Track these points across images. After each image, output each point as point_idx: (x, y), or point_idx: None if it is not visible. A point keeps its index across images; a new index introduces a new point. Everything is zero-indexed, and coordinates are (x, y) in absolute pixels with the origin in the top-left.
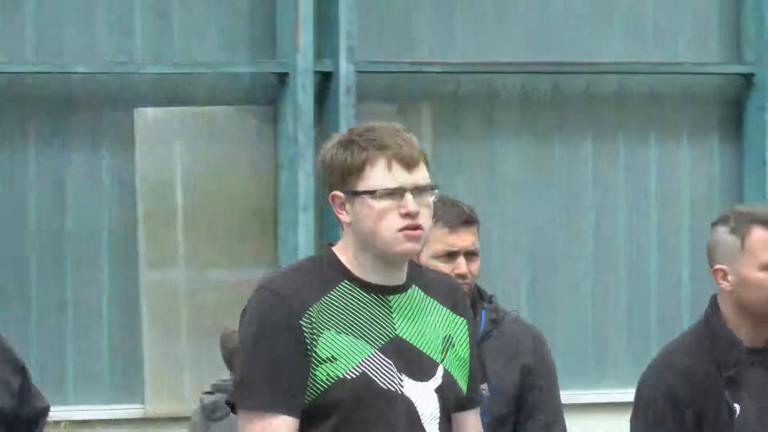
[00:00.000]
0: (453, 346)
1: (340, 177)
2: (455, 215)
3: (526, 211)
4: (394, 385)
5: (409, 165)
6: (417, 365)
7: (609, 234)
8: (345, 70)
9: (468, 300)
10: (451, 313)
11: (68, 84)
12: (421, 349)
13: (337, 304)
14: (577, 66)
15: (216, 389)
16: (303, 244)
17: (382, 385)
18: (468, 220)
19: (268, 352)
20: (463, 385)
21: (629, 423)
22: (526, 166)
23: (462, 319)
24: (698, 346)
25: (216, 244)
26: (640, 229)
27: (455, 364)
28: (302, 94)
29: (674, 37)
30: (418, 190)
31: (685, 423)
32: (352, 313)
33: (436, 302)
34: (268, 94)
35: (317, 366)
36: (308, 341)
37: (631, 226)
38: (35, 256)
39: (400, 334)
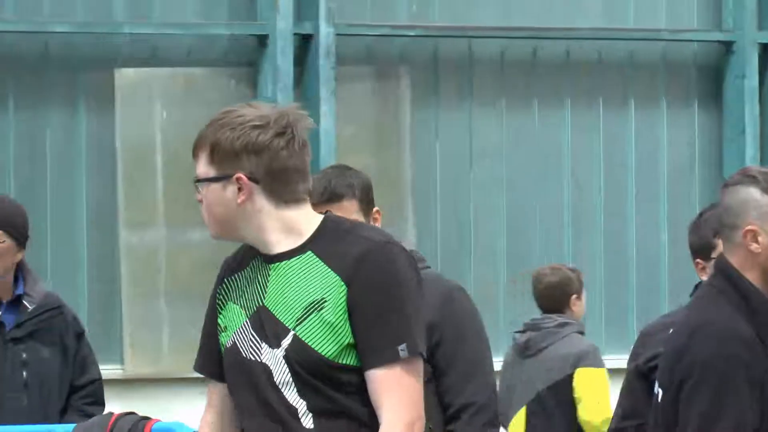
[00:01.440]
0: (320, 311)
1: None
2: (314, 193)
3: (504, 176)
4: (254, 352)
5: (194, 156)
6: (272, 332)
7: (587, 201)
8: (324, 33)
9: (374, 257)
10: (337, 280)
11: (47, 44)
12: (277, 316)
13: (243, 276)
14: (555, 31)
15: (527, 327)
16: None
17: (244, 353)
18: (329, 198)
19: (205, 316)
20: (325, 349)
21: (680, 404)
22: (504, 131)
23: (344, 286)
24: (736, 314)
25: (195, 206)
26: (619, 196)
27: (316, 328)
28: (281, 56)
29: (653, 4)
30: (196, 183)
31: (753, 392)
32: (246, 284)
33: (323, 266)
34: (248, 56)
35: (220, 335)
36: (218, 310)
37: (610, 193)
38: None
39: (265, 303)
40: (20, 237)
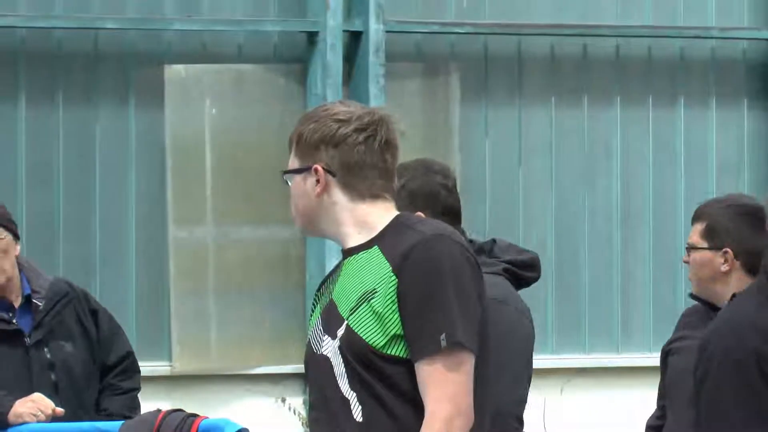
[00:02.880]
0: (370, 301)
1: None
2: None
3: (553, 173)
4: (318, 345)
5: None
6: (332, 324)
7: (636, 198)
8: (374, 30)
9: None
10: (389, 271)
11: (96, 40)
12: (338, 308)
13: (333, 277)
14: (606, 29)
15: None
16: None
17: (313, 348)
18: None
19: None
20: (373, 338)
21: (701, 396)
22: (553, 128)
23: (394, 277)
24: (764, 307)
25: (244, 202)
26: (668, 194)
27: (366, 318)
28: (331, 53)
29: (703, 2)
30: (285, 177)
31: None
32: (329, 283)
33: (383, 259)
34: (298, 52)
35: None
36: (310, 315)
37: (659, 190)
38: (64, 212)
39: (333, 296)
40: (16, 230)
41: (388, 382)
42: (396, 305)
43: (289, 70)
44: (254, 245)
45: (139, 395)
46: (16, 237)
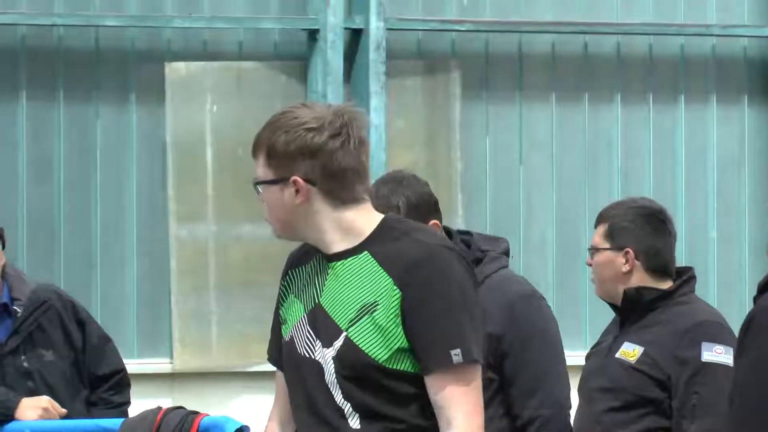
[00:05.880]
0: (372, 314)
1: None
2: None
3: (554, 171)
4: (308, 349)
5: (253, 156)
6: (325, 332)
7: (637, 195)
8: (375, 28)
9: (429, 262)
10: (390, 283)
11: (97, 38)
12: (331, 316)
13: (306, 271)
14: (606, 26)
15: None
16: None
17: (299, 349)
18: None
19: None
20: (376, 352)
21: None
22: (554, 126)
23: (397, 290)
24: None
25: (245, 200)
26: (668, 192)
27: (368, 331)
28: (332, 50)
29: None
30: (255, 185)
31: None
32: (307, 279)
33: (379, 268)
34: (298, 50)
35: (281, 327)
36: (281, 303)
37: (659, 188)
38: (64, 210)
39: (321, 301)
40: (2, 237)
41: (386, 394)
42: (399, 319)
43: (289, 68)
44: (255, 243)
45: (138, 395)
46: (3, 244)
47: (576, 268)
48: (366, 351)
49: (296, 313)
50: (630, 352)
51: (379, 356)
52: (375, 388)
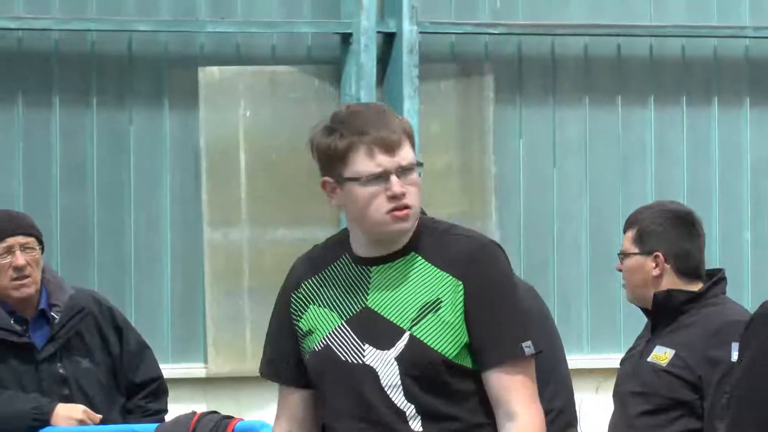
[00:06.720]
0: (437, 311)
1: (327, 163)
2: None
3: (587, 173)
4: (354, 355)
5: (390, 148)
6: (381, 334)
7: (670, 197)
8: (408, 31)
9: (485, 255)
10: (450, 279)
11: (130, 42)
12: (388, 318)
13: (329, 278)
14: (639, 29)
15: None
16: None
17: (341, 356)
18: None
19: (271, 322)
20: (446, 348)
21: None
22: (587, 128)
23: (460, 284)
24: None
25: (278, 204)
26: (702, 193)
27: (434, 329)
28: (365, 54)
29: (737, 1)
30: (403, 171)
31: None
32: (335, 287)
33: (431, 267)
34: (331, 54)
35: (302, 340)
36: (294, 315)
37: (693, 190)
38: (98, 215)
39: (370, 305)
40: (42, 242)
41: (448, 392)
42: (463, 313)
43: (322, 72)
44: (289, 246)
45: (172, 400)
46: (43, 249)
47: (610, 272)
48: (434, 347)
49: (329, 322)
50: (661, 355)
51: (448, 352)
52: (439, 387)
